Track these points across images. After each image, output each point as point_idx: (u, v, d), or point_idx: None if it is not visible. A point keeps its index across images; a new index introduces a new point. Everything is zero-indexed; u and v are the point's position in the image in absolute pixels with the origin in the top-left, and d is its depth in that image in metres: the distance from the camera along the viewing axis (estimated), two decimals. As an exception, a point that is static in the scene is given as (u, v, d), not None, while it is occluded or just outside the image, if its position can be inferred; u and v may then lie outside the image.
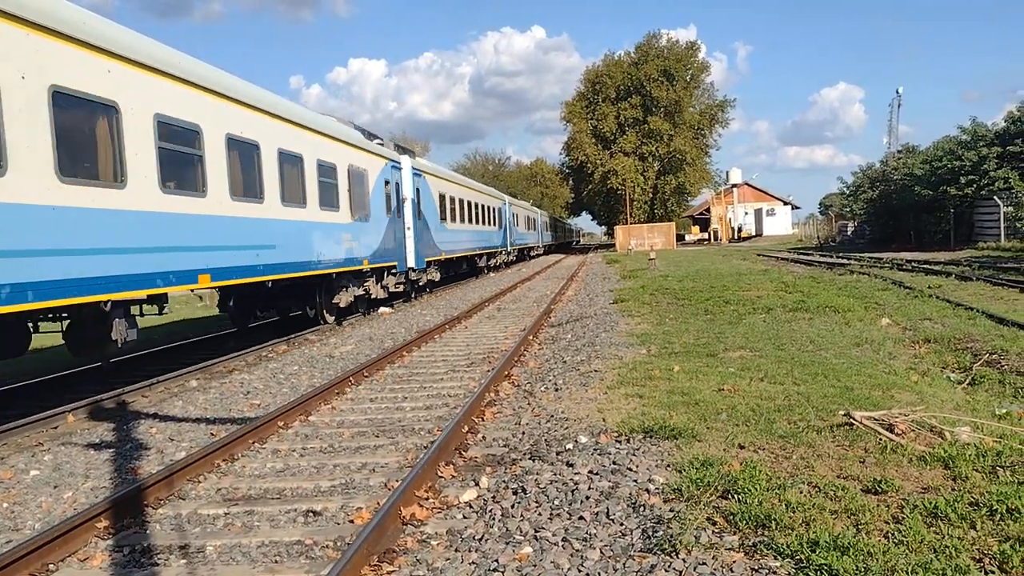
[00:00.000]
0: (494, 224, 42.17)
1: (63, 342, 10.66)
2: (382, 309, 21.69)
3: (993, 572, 3.87)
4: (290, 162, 15.08)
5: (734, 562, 4.14)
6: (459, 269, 34.77)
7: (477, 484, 6.16)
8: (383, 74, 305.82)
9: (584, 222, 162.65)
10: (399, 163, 23.66)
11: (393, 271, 22.33)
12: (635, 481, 5.58)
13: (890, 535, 4.36)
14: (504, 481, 6.11)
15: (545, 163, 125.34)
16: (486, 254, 39.37)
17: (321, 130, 16.94)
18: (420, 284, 25.80)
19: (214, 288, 13.11)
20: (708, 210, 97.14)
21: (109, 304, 9.68)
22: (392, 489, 6.11)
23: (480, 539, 5.01)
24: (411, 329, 17.06)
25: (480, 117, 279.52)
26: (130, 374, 12.61)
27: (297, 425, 8.68)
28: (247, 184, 13.34)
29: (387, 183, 21.99)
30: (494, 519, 5.32)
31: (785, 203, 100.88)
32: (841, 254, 43.50)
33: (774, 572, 3.98)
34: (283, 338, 16.23)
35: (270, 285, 14.26)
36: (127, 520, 5.79)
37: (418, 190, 25.39)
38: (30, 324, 10.21)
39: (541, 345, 13.69)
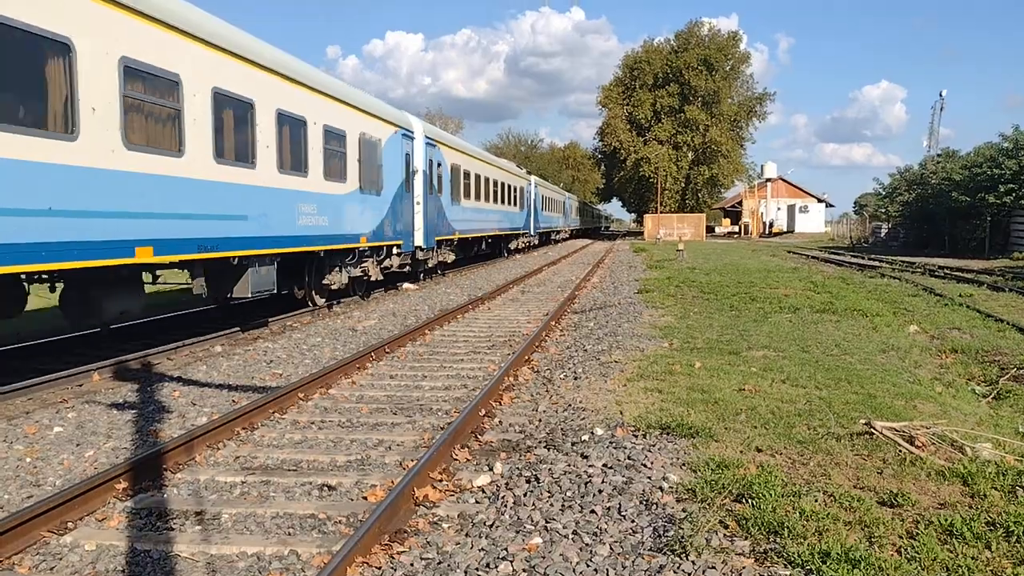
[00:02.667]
0: (561, 212, 63.99)
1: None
2: (406, 285, 21.79)
3: (1006, 596, 3.84)
4: (509, 189, 37.61)
5: (744, 568, 4.14)
6: (544, 240, 56.03)
7: (491, 469, 6.18)
8: (419, 48, 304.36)
9: (613, 208, 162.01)
10: (530, 180, 47.04)
11: (527, 235, 45.41)
12: (649, 478, 5.58)
13: (903, 550, 4.33)
14: (518, 468, 6.13)
15: (578, 147, 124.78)
16: (555, 231, 61.27)
17: (515, 172, 41.67)
18: (532, 244, 48.23)
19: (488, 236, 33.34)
20: (740, 203, 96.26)
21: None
22: (407, 469, 6.15)
23: (491, 525, 5.04)
24: (434, 307, 17.11)
25: (514, 97, 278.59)
26: (157, 335, 12.76)
27: (317, 397, 8.75)
28: (498, 197, 34.62)
29: (527, 191, 45.20)
30: (506, 506, 5.34)
31: (819, 200, 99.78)
32: (873, 256, 42.97)
33: (783, 580, 3.96)
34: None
35: (491, 238, 34.64)
36: (146, 483, 5.88)
37: (536, 195, 48.68)
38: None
39: (563, 331, 13.68)
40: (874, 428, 6.39)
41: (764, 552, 4.30)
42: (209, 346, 12.19)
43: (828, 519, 4.65)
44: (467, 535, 4.93)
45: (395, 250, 19.32)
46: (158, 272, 11.53)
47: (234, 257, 11.68)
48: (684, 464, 5.86)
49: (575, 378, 9.38)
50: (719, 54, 78.78)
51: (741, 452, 6.11)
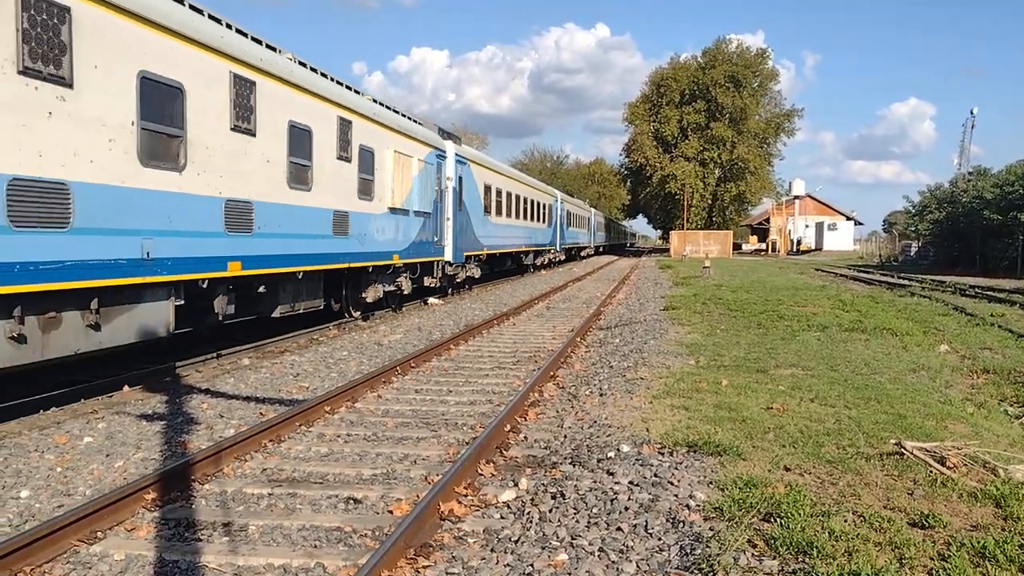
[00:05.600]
0: (604, 231, 76.28)
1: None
2: (431, 300, 21.86)
3: (1041, 621, 3.76)
4: (582, 219, 63.90)
5: (772, 587, 4.09)
6: (596, 251, 73.35)
7: (516, 485, 6.17)
8: (444, 65, 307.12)
9: (639, 225, 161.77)
10: (591, 212, 72.12)
11: (589, 248, 68.09)
12: (676, 496, 5.54)
13: (935, 572, 4.27)
14: (543, 484, 6.12)
15: (604, 163, 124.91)
16: (581, 247, 64.55)
17: (584, 207, 68.57)
18: (590, 254, 68.47)
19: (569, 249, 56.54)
20: (767, 220, 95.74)
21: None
22: (432, 483, 6.15)
23: (516, 541, 5.02)
24: (459, 322, 17.15)
25: (538, 113, 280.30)
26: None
27: (343, 411, 8.79)
28: (578, 224, 61.51)
29: (591, 219, 69.98)
30: (531, 522, 5.33)
31: (848, 218, 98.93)
32: (903, 274, 42.50)
33: (812, 601, 3.92)
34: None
35: (577, 248, 61.61)
36: (174, 494, 5.93)
37: (595, 221, 73.03)
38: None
39: (588, 348, 13.65)
40: (904, 448, 6.31)
41: (792, 572, 4.25)
42: (237, 358, 12.29)
43: (858, 540, 4.60)
44: (492, 550, 4.93)
45: (551, 251, 44.93)
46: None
47: (528, 252, 37.48)
48: (711, 482, 5.82)
49: (601, 394, 9.35)
50: (747, 71, 78.68)
51: (769, 471, 6.05)
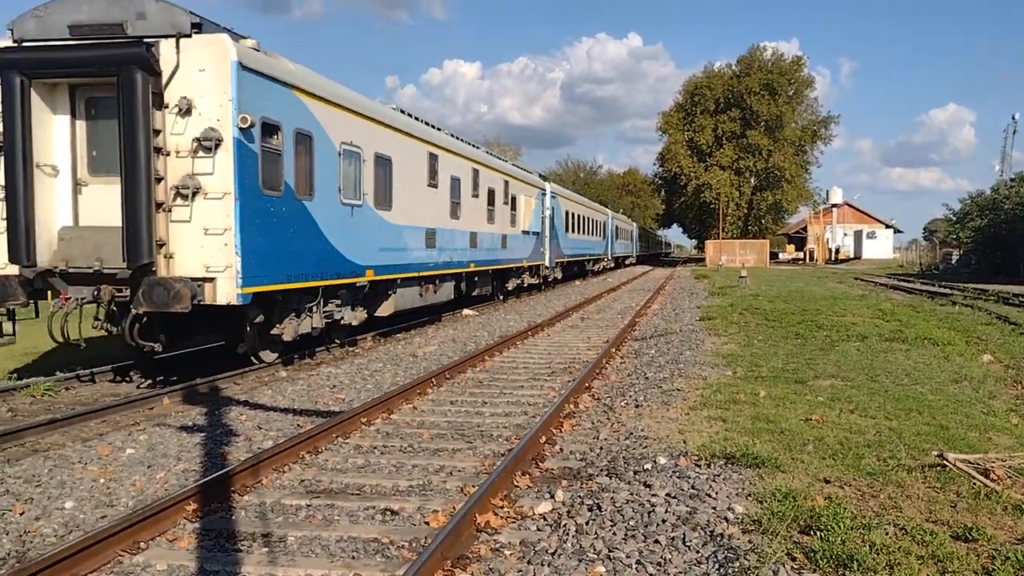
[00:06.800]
0: (630, 239, 75.87)
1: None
2: (465, 312, 21.95)
3: (1091, 638, 3.67)
4: (627, 231, 72.41)
5: (812, 601, 4.04)
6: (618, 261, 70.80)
7: (552, 497, 6.16)
8: (476, 76, 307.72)
9: (674, 235, 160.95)
10: (633, 225, 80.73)
11: (631, 257, 74.60)
12: (714, 508, 5.51)
13: (980, 588, 4.18)
14: (580, 496, 6.10)
15: (637, 173, 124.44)
16: (626, 256, 71.33)
17: (627, 221, 76.75)
18: (632, 263, 75.28)
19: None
20: (805, 229, 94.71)
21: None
22: (468, 495, 6.17)
23: (553, 553, 5.02)
24: (494, 333, 17.18)
25: (570, 124, 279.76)
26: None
27: (379, 422, 8.84)
28: (623, 236, 69.14)
29: (631, 232, 76.16)
30: (568, 534, 5.32)
31: (887, 226, 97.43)
32: (944, 283, 41.74)
33: (853, 616, 3.86)
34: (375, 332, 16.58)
35: (621, 257, 68.01)
36: (214, 505, 6.01)
37: (635, 234, 79.82)
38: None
39: (623, 358, 13.59)
40: (947, 460, 6.21)
41: (833, 586, 4.20)
42: (274, 371, 12.42)
43: (900, 553, 4.53)
44: (529, 562, 4.92)
45: (605, 259, 51.40)
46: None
47: (589, 259, 46.11)
48: (749, 495, 5.77)
49: (637, 406, 9.30)
50: (782, 79, 77.95)
51: (808, 483, 5.99)
